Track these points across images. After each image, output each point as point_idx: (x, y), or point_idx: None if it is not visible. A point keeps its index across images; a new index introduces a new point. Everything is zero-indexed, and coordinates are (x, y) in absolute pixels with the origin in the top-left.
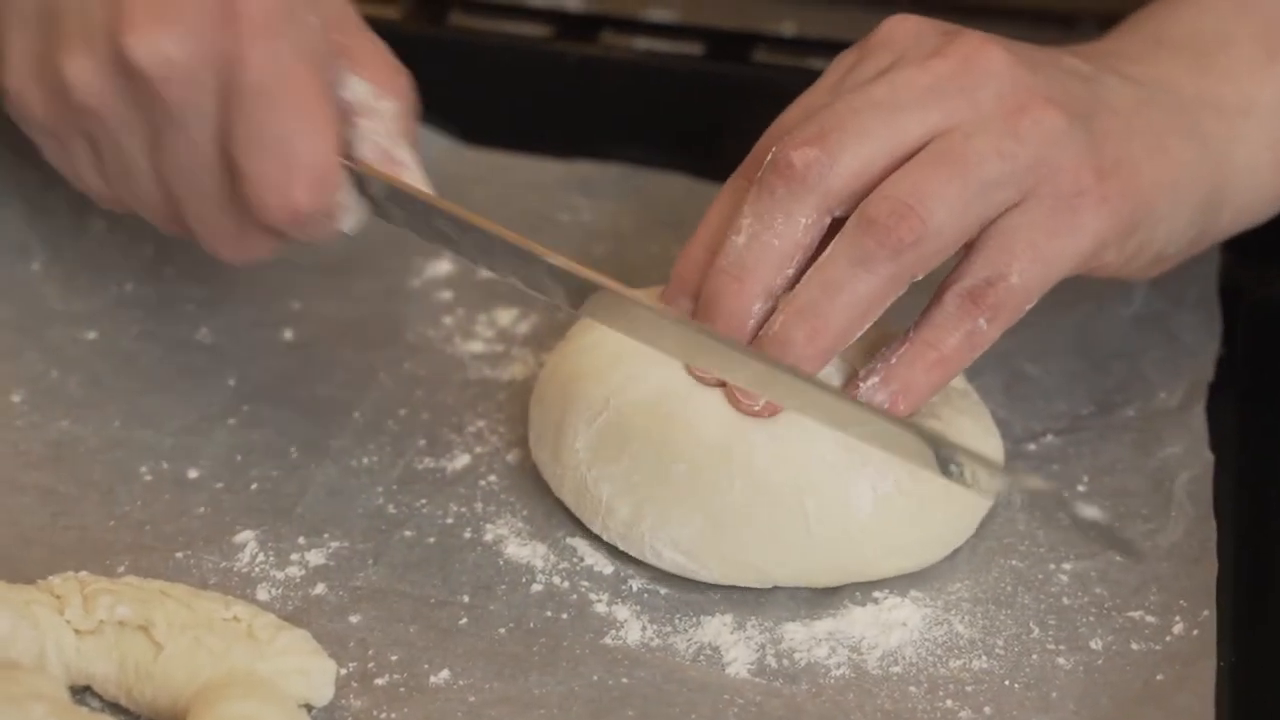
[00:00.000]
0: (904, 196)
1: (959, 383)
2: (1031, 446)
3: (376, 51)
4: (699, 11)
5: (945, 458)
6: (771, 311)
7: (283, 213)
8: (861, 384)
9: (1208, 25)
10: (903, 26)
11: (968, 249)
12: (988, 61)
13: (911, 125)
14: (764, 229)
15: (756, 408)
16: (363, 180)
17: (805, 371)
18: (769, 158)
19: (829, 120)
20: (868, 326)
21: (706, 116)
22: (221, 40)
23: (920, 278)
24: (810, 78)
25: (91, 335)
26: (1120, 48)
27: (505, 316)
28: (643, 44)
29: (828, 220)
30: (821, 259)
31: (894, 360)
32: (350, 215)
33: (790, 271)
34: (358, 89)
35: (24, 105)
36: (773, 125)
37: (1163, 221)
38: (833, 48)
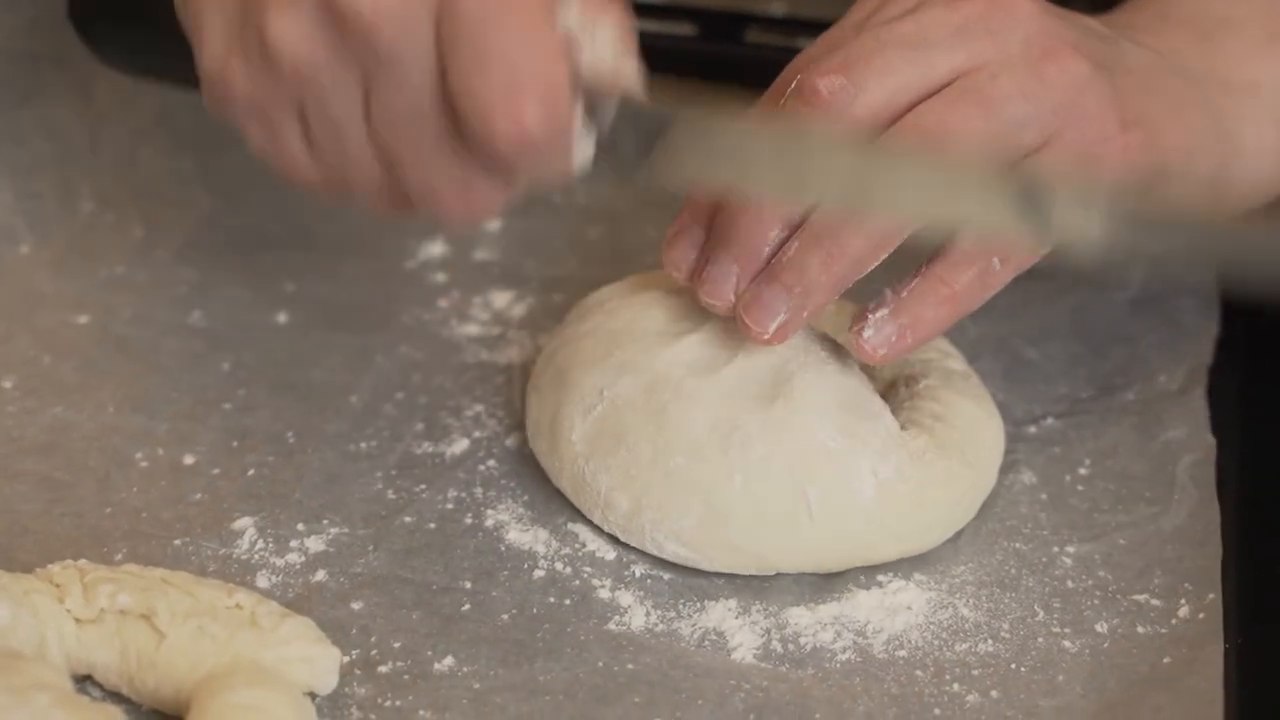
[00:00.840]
0: (929, 126)
1: (960, 365)
2: (1032, 429)
3: None
4: None
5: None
6: (787, 241)
7: (512, 137)
8: (871, 315)
9: (1212, 7)
10: None
11: None
12: (1015, 7)
13: (938, 62)
14: None
15: (766, 335)
16: (594, 106)
17: (817, 301)
18: (794, 85)
19: (856, 51)
20: (884, 257)
21: (699, 97)
22: None
23: None
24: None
25: (83, 319)
26: (1129, 20)
27: (500, 299)
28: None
29: None
30: None
31: (905, 294)
32: (581, 147)
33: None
34: (568, 18)
35: (226, 85)
36: (797, 58)
37: (1175, 186)
38: (826, 28)
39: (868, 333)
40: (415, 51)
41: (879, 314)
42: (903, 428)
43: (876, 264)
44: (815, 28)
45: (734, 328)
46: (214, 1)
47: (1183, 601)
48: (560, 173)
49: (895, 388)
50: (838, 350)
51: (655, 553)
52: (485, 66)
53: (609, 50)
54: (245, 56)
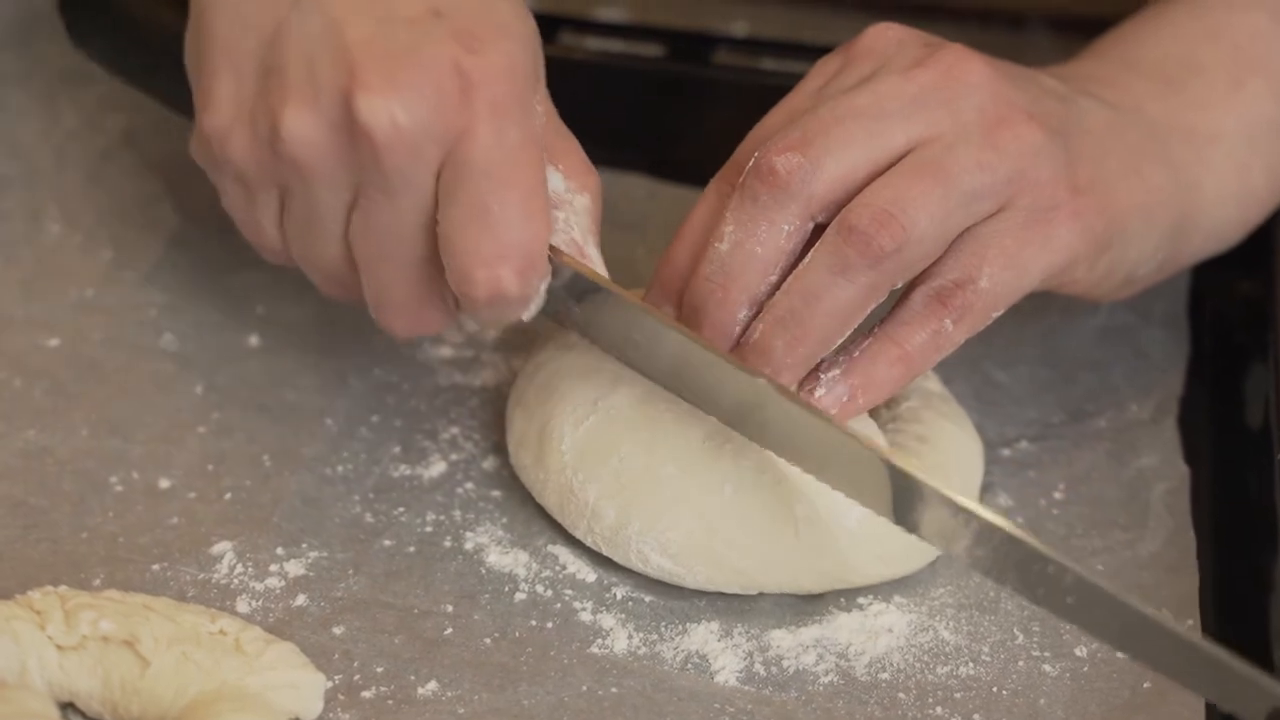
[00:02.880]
0: (885, 205)
1: (938, 387)
2: (1006, 452)
3: (572, 147)
4: (650, 11)
5: (906, 497)
6: (755, 318)
7: (486, 291)
8: (822, 375)
9: (1177, 51)
10: (885, 35)
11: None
12: (969, 74)
13: (894, 134)
14: (747, 236)
15: None
16: (554, 269)
17: (784, 381)
18: (751, 163)
19: (812, 126)
20: (847, 334)
21: (667, 118)
22: (454, 114)
23: (899, 286)
24: (769, 78)
25: (54, 342)
26: (1091, 71)
27: (473, 322)
28: (601, 45)
29: (810, 226)
30: (801, 267)
31: (857, 354)
32: (535, 303)
33: (774, 278)
34: (555, 181)
35: (225, 147)
36: (755, 129)
37: (1133, 243)
38: (792, 49)
39: (819, 392)
40: (415, 181)
41: (830, 374)
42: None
43: (838, 342)
44: (781, 48)
45: None
46: (231, 63)
47: None
48: (507, 321)
49: (876, 410)
50: None
51: (639, 567)
52: (479, 225)
53: (582, 224)
54: (252, 130)
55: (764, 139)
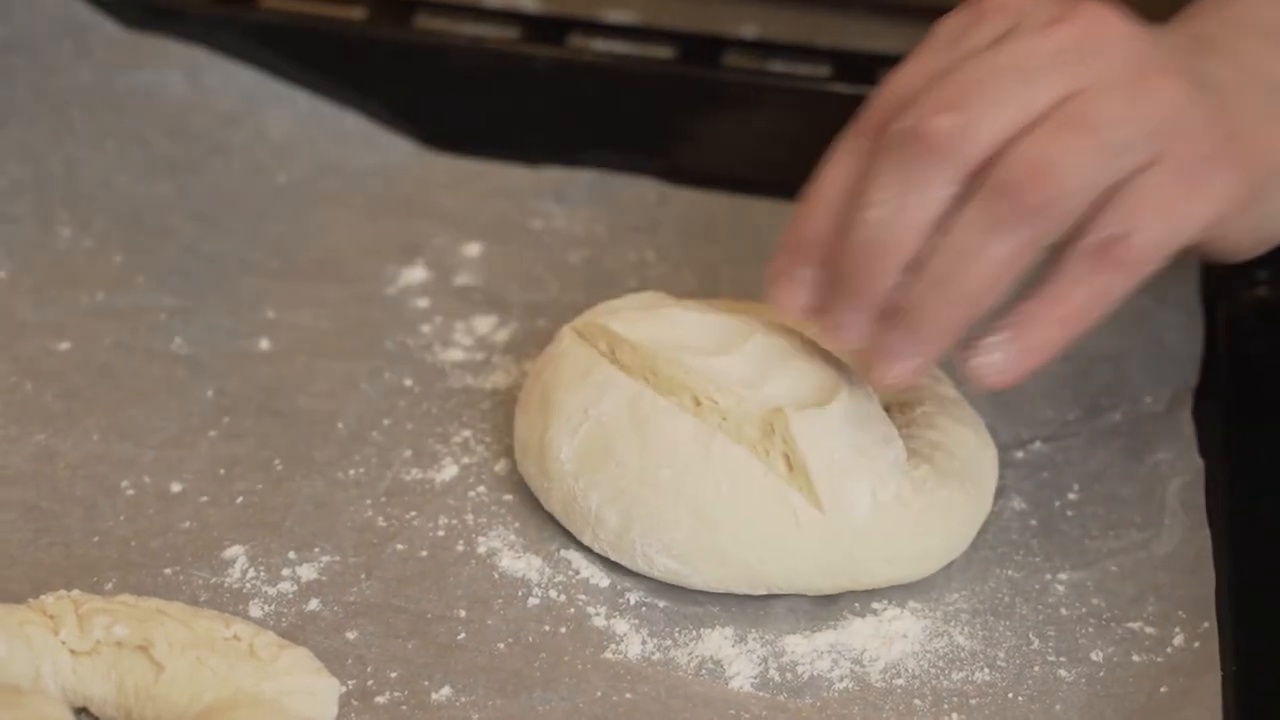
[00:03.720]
0: (1036, 158)
1: (952, 391)
2: (1020, 455)
3: None
4: (659, 13)
5: None
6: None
7: None
8: (986, 340)
9: (1275, 10)
10: None
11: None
12: (1108, 29)
13: (1041, 91)
14: (903, 203)
15: (890, 379)
16: None
17: (939, 344)
18: (900, 124)
19: (964, 85)
20: (1001, 295)
21: (677, 120)
22: None
23: (1051, 242)
24: (780, 81)
25: (64, 346)
26: (1201, 29)
27: (483, 324)
28: (611, 47)
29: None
30: (953, 227)
31: (1018, 317)
32: None
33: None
34: None
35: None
36: (887, 86)
37: (1274, 194)
38: (803, 52)
39: (981, 358)
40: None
41: (992, 339)
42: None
43: (996, 300)
44: (792, 51)
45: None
46: None
47: (1177, 629)
48: None
49: (889, 413)
50: (856, 376)
51: (645, 570)
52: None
53: None
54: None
55: (901, 97)
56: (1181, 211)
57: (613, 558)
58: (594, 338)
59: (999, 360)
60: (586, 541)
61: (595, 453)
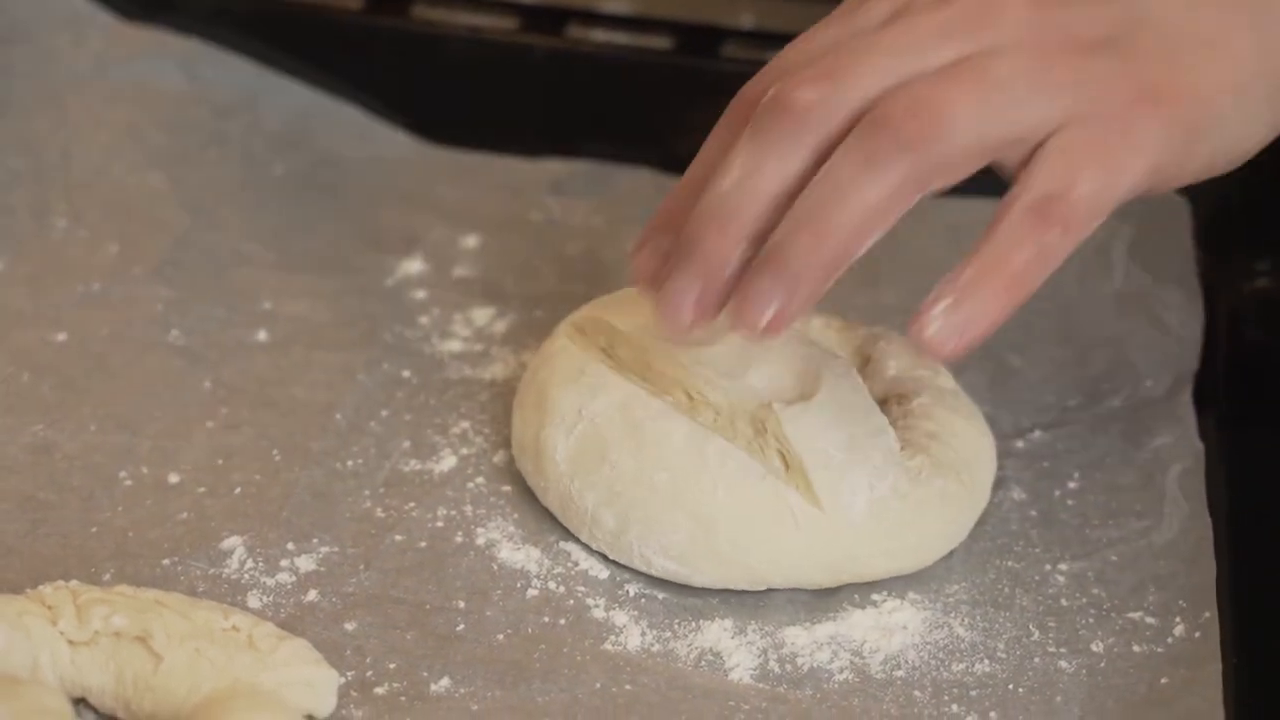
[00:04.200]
0: (917, 97)
1: (949, 383)
2: (1020, 444)
3: None
4: (655, 3)
5: None
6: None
7: None
8: (931, 312)
9: None
10: None
11: (1022, 170)
12: (1006, 9)
13: (929, 65)
14: (754, 170)
15: (760, 327)
16: None
17: (806, 290)
18: (768, 95)
19: (838, 60)
20: (871, 243)
21: (676, 111)
22: None
23: (936, 189)
24: None
25: (61, 337)
26: None
27: (481, 316)
28: (610, 37)
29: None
30: (827, 164)
31: (961, 283)
32: None
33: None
34: None
35: None
36: (770, 64)
37: (1231, 123)
38: None
39: (930, 330)
40: None
41: (938, 308)
42: (900, 447)
43: (866, 248)
44: (789, 41)
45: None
46: None
47: (1178, 619)
48: None
49: (887, 406)
50: (842, 366)
51: (644, 569)
52: None
53: None
54: None
55: (780, 72)
56: (1116, 162)
57: (611, 556)
58: (593, 332)
59: (943, 330)
60: (584, 539)
61: (590, 454)
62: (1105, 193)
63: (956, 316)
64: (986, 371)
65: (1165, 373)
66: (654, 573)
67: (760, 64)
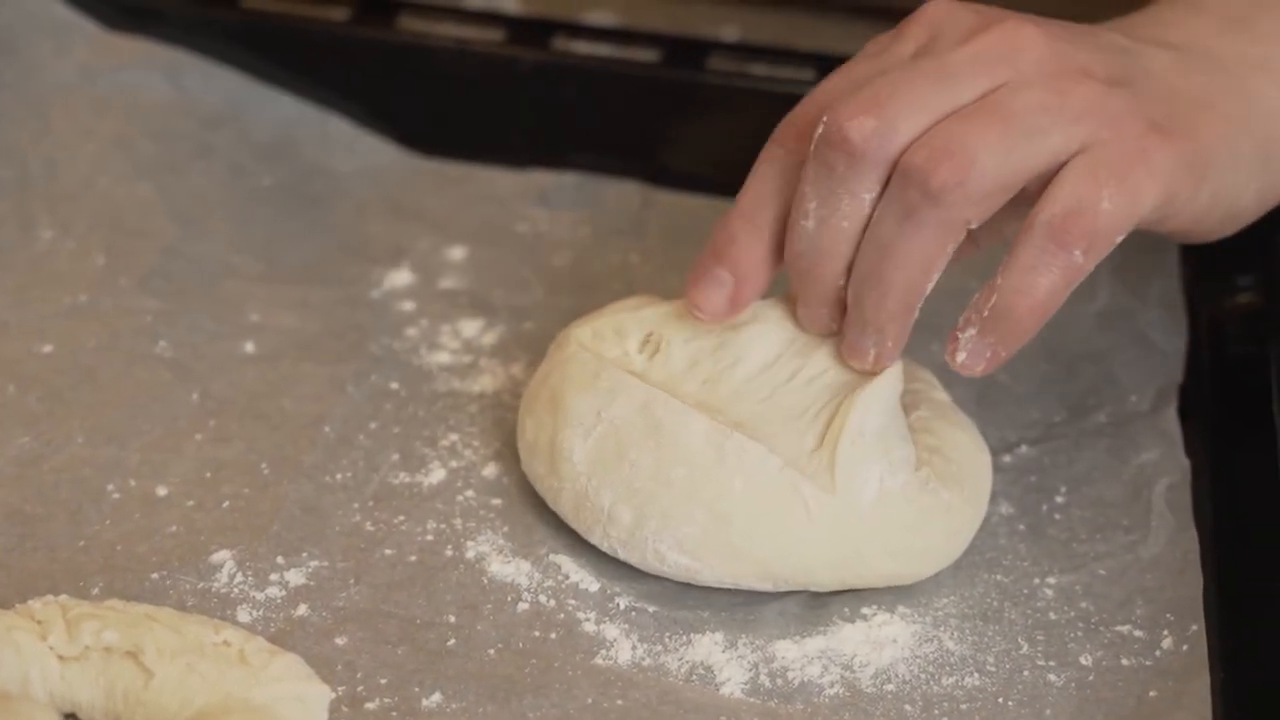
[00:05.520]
0: (941, 143)
1: (944, 396)
2: (1007, 459)
3: None
4: (638, 15)
5: None
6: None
7: None
8: (960, 335)
9: None
10: (939, 10)
11: (1045, 189)
12: (1027, 37)
13: (963, 92)
14: (831, 212)
15: (868, 368)
16: None
17: (892, 331)
18: (821, 130)
19: (881, 89)
20: (933, 281)
21: (661, 123)
22: None
23: (974, 226)
24: (765, 84)
25: (47, 349)
26: (1156, 16)
27: (470, 328)
28: (595, 50)
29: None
30: (872, 222)
31: (987, 310)
32: None
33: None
34: None
35: None
36: (813, 94)
37: (1226, 172)
38: (788, 55)
39: (961, 356)
40: None
41: (968, 333)
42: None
43: (928, 290)
44: (775, 54)
45: (700, 354)
46: None
47: (1165, 633)
48: None
49: None
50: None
51: (655, 566)
52: None
53: None
54: None
55: (825, 105)
56: (1135, 183)
57: (622, 555)
58: (611, 338)
59: (973, 355)
60: (596, 540)
61: (609, 454)
62: (1125, 210)
63: (981, 344)
64: (974, 387)
65: (1149, 388)
66: (665, 570)
67: (747, 77)
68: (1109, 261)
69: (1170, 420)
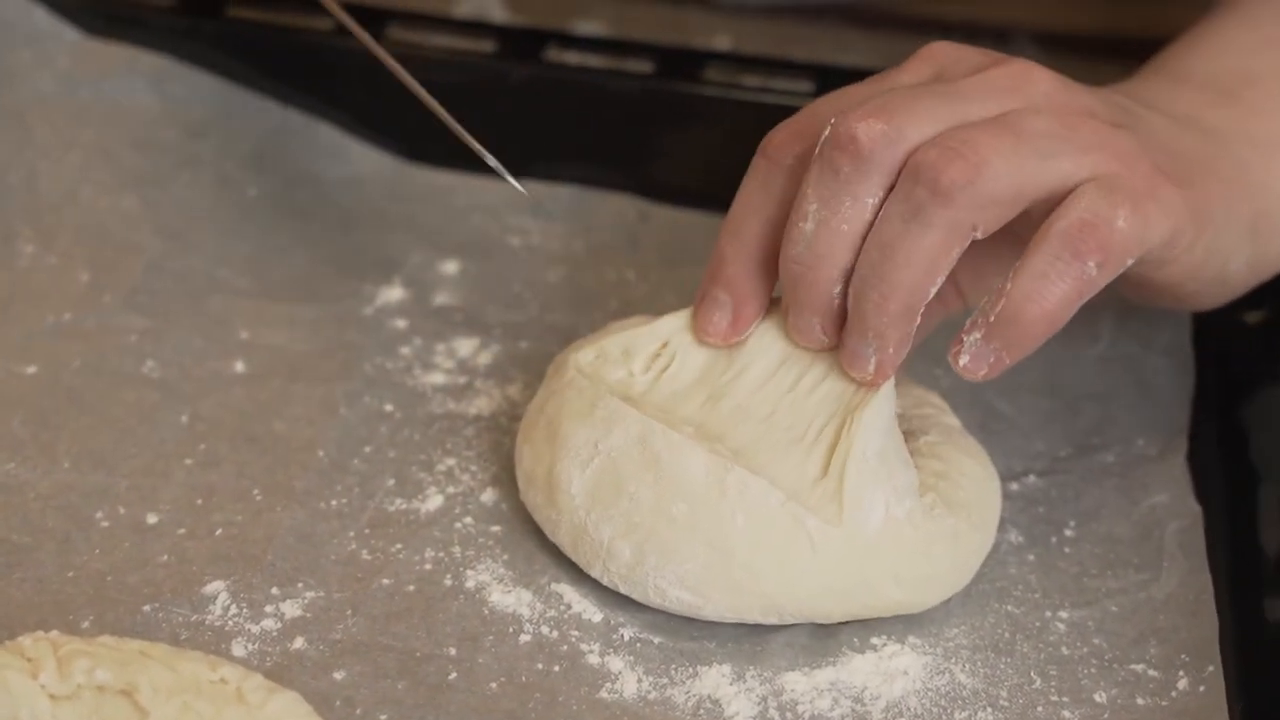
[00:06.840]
0: (953, 145)
1: (954, 421)
2: (1015, 486)
3: None
4: (631, 26)
5: None
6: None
7: None
8: (965, 338)
9: (1230, 63)
10: (944, 47)
11: (1056, 208)
12: (1036, 74)
13: (973, 111)
14: (832, 213)
15: (868, 380)
16: None
17: (890, 346)
18: (828, 133)
19: (892, 100)
20: (937, 285)
21: (655, 134)
22: None
23: (980, 234)
24: (761, 95)
25: (30, 370)
26: (1144, 88)
27: (465, 347)
28: (588, 61)
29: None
30: (877, 221)
31: (994, 316)
32: None
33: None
34: None
35: None
36: (804, 110)
37: (1222, 231)
38: (784, 66)
39: (964, 359)
40: None
41: (973, 336)
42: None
43: (931, 293)
44: (771, 65)
45: (710, 365)
46: None
47: (1181, 673)
48: None
49: None
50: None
51: (657, 602)
52: None
53: None
54: None
55: (821, 117)
56: (1147, 210)
57: (623, 590)
58: (608, 365)
59: (976, 358)
60: (596, 574)
61: (606, 487)
62: (1139, 232)
63: (985, 349)
64: (976, 415)
65: (1156, 434)
66: (667, 605)
67: (741, 88)
68: (1113, 309)
69: (1180, 468)
